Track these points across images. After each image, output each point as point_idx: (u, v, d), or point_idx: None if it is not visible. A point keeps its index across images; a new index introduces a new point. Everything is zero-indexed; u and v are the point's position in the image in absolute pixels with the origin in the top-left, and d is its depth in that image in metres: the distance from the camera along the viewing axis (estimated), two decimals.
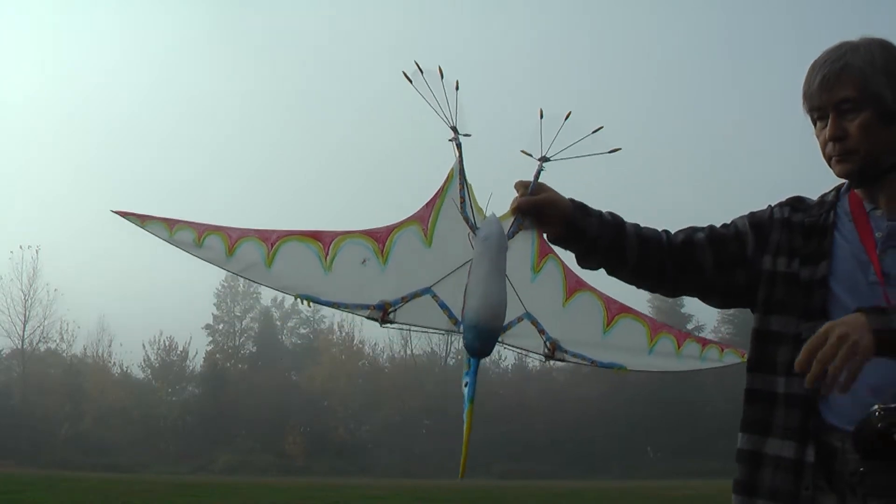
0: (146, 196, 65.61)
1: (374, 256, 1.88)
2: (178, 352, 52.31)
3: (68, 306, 53.97)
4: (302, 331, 56.21)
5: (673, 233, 1.94)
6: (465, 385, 1.73)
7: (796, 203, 1.88)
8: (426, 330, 1.87)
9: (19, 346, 49.33)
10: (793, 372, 1.66)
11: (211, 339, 54.26)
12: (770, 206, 1.91)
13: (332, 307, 1.84)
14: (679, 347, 2.19)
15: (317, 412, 48.32)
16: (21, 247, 48.54)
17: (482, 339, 1.73)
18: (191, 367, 53.20)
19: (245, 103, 69.03)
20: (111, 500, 17.63)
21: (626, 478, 36.62)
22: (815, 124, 1.80)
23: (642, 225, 1.93)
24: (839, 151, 1.72)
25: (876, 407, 1.54)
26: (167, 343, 51.76)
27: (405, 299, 1.83)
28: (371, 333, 52.72)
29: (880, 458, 1.55)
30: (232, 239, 1.83)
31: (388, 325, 1.83)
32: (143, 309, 59.08)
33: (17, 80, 69.61)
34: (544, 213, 1.84)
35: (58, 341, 50.35)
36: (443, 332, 1.87)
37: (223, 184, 67.41)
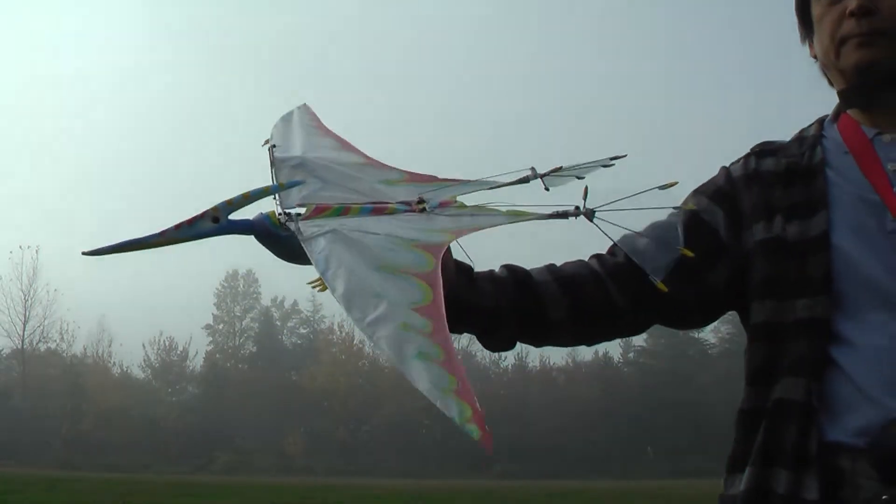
0: (146, 196, 65.70)
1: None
2: (178, 352, 52.43)
3: (68, 306, 53.94)
4: (302, 331, 56.25)
5: (604, 254, 1.37)
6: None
7: (763, 148, 1.38)
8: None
9: (19, 346, 49.40)
10: (786, 372, 1.22)
11: (211, 339, 54.35)
12: (724, 166, 1.40)
13: None
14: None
15: (317, 412, 48.33)
16: (21, 247, 48.54)
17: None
18: (191, 367, 53.33)
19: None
20: (111, 500, 17.63)
21: (626, 478, 36.61)
22: (814, 7, 1.33)
23: (559, 263, 1.36)
24: (866, 29, 1.23)
25: None
26: (167, 343, 51.88)
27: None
28: None
29: None
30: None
31: None
32: (143, 309, 59.06)
33: (16, 81, 69.71)
34: None
35: (58, 341, 50.45)
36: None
37: (222, 184, 67.40)
